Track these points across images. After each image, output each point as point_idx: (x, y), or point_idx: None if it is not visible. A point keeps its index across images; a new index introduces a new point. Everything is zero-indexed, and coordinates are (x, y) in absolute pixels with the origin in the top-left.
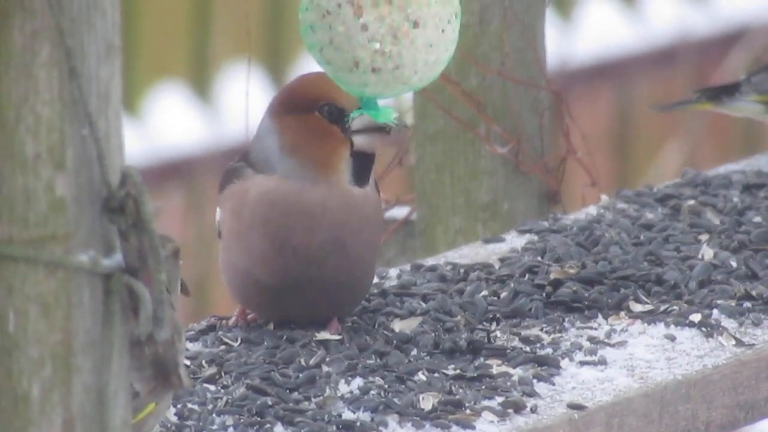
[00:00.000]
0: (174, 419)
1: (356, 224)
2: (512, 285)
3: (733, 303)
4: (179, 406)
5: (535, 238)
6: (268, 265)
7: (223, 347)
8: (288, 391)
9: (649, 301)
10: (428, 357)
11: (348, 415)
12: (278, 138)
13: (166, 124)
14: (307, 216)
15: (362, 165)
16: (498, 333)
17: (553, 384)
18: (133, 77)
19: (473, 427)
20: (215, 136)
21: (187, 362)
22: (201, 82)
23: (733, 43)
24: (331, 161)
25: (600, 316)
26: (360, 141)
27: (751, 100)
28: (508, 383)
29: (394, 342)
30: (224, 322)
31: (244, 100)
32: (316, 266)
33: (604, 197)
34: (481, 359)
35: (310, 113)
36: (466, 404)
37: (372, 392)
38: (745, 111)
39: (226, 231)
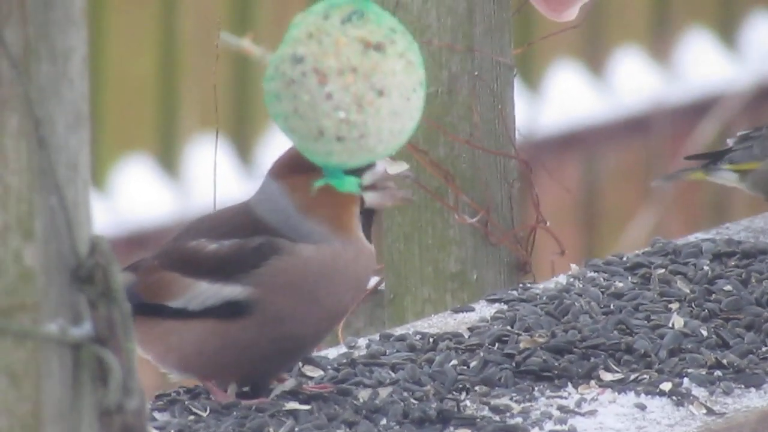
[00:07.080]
0: None
1: (365, 282)
2: (482, 354)
3: (703, 372)
4: None
5: (505, 307)
6: (309, 331)
7: (192, 417)
8: None
9: (619, 370)
10: (398, 426)
11: None
12: (290, 199)
13: (133, 197)
14: (345, 278)
15: (368, 221)
16: (467, 402)
17: None
18: (99, 151)
19: None
20: (182, 208)
21: None
22: (168, 155)
23: (703, 112)
24: (345, 219)
25: (570, 385)
26: (371, 198)
27: (726, 168)
28: None
29: (363, 411)
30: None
31: (211, 172)
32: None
33: (574, 266)
34: (451, 429)
35: (317, 171)
36: None
37: None
38: (724, 179)
39: (274, 309)
